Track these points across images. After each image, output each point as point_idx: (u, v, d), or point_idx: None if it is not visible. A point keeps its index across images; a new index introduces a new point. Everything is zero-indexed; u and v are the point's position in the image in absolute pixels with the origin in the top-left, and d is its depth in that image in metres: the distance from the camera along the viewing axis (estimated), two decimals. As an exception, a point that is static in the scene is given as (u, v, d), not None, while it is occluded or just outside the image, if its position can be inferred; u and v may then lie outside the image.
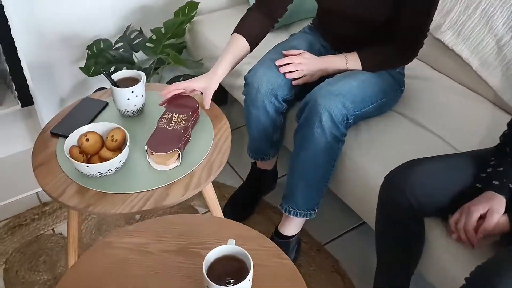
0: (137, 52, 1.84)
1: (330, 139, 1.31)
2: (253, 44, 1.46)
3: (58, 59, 1.89)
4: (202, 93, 1.37)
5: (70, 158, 1.15)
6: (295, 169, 1.41)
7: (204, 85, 1.35)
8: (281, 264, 1.01)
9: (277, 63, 1.41)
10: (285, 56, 1.44)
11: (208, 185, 1.31)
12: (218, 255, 0.91)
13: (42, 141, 1.32)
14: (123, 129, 1.23)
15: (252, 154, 1.65)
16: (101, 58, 1.70)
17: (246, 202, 1.74)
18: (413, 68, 1.64)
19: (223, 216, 1.45)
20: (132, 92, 1.31)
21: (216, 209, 1.42)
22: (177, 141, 1.22)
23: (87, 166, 1.14)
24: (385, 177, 1.20)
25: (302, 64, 1.41)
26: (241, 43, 1.43)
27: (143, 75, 1.40)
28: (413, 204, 1.14)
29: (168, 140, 1.22)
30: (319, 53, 1.56)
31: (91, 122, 1.36)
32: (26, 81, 1.54)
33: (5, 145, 1.85)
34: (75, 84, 2.00)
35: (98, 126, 1.25)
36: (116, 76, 1.36)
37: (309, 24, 1.67)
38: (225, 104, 2.28)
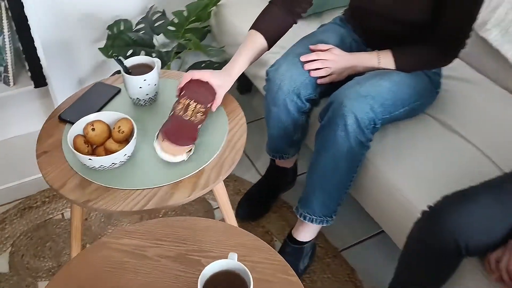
0: (158, 35, 1.77)
1: (354, 144, 1.21)
2: (271, 42, 1.35)
3: (77, 39, 1.83)
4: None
5: (72, 149, 1.10)
6: (314, 173, 1.32)
7: (219, 83, 1.25)
8: (286, 281, 0.94)
9: (302, 59, 1.31)
10: (312, 51, 1.34)
11: (219, 184, 1.23)
12: (216, 271, 0.83)
13: (49, 127, 1.27)
14: (131, 120, 1.16)
15: (271, 152, 1.56)
16: (119, 40, 1.64)
17: (262, 199, 1.67)
18: (452, 67, 1.50)
19: (234, 216, 1.38)
20: (144, 80, 1.24)
21: (227, 209, 1.34)
22: (193, 136, 1.15)
23: (90, 159, 1.08)
24: (430, 209, 1.07)
25: (330, 61, 1.30)
26: (258, 40, 1.33)
27: (158, 62, 1.32)
28: (460, 245, 1.01)
29: (185, 131, 1.14)
30: (350, 49, 1.45)
31: (101, 109, 1.31)
32: (40, 61, 1.49)
33: (21, 123, 1.82)
34: (95, 65, 1.95)
35: (106, 115, 1.19)
36: (129, 62, 1.29)
37: (341, 14, 1.56)
38: (248, 92, 2.19)
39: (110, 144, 1.15)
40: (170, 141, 1.12)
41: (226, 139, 1.22)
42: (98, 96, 1.35)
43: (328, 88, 1.35)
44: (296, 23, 1.40)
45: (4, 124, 1.83)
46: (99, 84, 1.39)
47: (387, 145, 1.33)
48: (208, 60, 1.88)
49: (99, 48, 1.77)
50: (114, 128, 1.17)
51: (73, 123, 1.19)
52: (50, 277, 1.50)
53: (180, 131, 1.14)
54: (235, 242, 1.00)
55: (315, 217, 1.35)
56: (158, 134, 1.15)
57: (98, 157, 1.08)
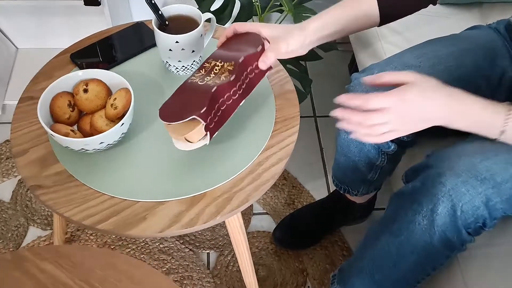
0: (256, -23, 1.39)
1: (437, 242, 0.78)
2: (385, 15, 0.89)
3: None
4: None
5: (39, 111, 0.82)
6: (369, 249, 0.91)
7: (277, 33, 0.83)
8: None
9: (332, 113, 0.73)
10: (367, 85, 0.79)
11: (236, 215, 0.88)
12: None
13: (55, 64, 1.01)
14: (131, 93, 0.85)
15: (335, 180, 1.16)
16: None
17: (310, 228, 1.30)
18: None
19: (250, 258, 1.04)
20: (176, 42, 0.91)
21: (241, 248, 1.00)
22: (199, 104, 0.76)
23: (52, 135, 0.80)
24: None
25: (388, 119, 0.70)
26: (368, 5, 0.88)
27: (212, 19, 0.98)
28: None
29: (191, 102, 0.78)
30: (499, 81, 0.96)
31: (126, 59, 1.01)
32: (92, -27, 1.22)
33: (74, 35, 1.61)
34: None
35: (109, 76, 0.89)
36: (172, 9, 0.96)
37: (511, 18, 1.04)
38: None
39: (98, 119, 0.86)
40: (164, 120, 0.78)
41: (256, 160, 0.87)
42: (131, 41, 1.06)
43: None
44: (434, 4, 0.93)
45: (52, 33, 1.66)
46: (140, 25, 1.09)
47: (498, 248, 0.86)
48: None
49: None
50: (109, 99, 0.87)
51: (82, 68, 0.93)
52: (43, 226, 1.33)
53: (185, 103, 0.78)
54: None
55: (350, 303, 0.96)
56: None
57: (64, 137, 0.79)
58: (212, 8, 1.35)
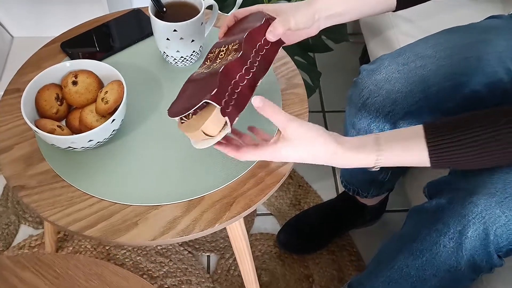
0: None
1: (464, 265, 0.71)
2: (403, 1, 0.81)
3: None
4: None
5: (22, 105, 0.76)
6: (381, 270, 0.83)
7: (280, 9, 0.76)
8: None
9: (222, 147, 0.72)
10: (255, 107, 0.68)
11: (238, 221, 0.82)
12: None
13: (44, 54, 0.95)
14: (124, 86, 0.78)
15: (344, 181, 1.10)
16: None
17: (317, 231, 1.23)
18: None
19: (253, 267, 0.98)
20: (174, 31, 0.84)
21: (242, 254, 0.94)
22: (210, 87, 0.68)
23: (36, 131, 0.74)
24: None
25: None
26: None
27: (214, 6, 0.91)
28: None
29: (200, 89, 0.71)
30: None
31: (121, 50, 0.95)
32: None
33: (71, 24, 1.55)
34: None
35: (100, 67, 0.83)
36: (172, -5, 0.89)
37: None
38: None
39: (88, 114, 0.80)
40: (171, 116, 0.72)
41: (258, 161, 0.80)
42: (127, 29, 0.99)
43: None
44: None
45: (49, 21, 1.60)
46: (137, 12, 1.02)
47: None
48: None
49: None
50: (100, 92, 0.80)
51: (73, 58, 0.87)
52: (35, 224, 1.27)
53: (191, 94, 0.72)
54: None
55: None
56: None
57: (48, 134, 0.73)
58: (216, -5, 1.28)
